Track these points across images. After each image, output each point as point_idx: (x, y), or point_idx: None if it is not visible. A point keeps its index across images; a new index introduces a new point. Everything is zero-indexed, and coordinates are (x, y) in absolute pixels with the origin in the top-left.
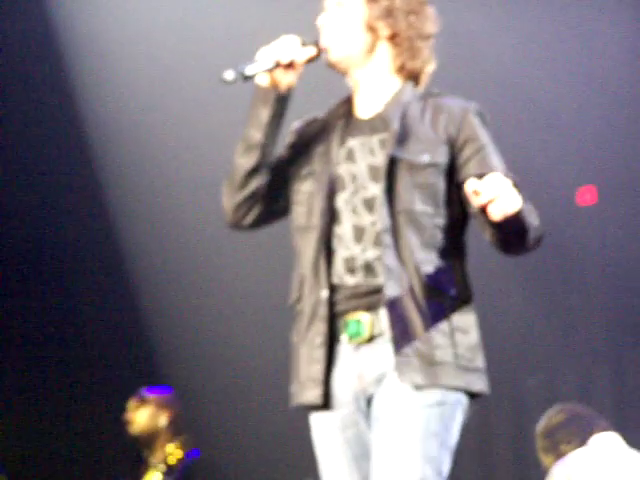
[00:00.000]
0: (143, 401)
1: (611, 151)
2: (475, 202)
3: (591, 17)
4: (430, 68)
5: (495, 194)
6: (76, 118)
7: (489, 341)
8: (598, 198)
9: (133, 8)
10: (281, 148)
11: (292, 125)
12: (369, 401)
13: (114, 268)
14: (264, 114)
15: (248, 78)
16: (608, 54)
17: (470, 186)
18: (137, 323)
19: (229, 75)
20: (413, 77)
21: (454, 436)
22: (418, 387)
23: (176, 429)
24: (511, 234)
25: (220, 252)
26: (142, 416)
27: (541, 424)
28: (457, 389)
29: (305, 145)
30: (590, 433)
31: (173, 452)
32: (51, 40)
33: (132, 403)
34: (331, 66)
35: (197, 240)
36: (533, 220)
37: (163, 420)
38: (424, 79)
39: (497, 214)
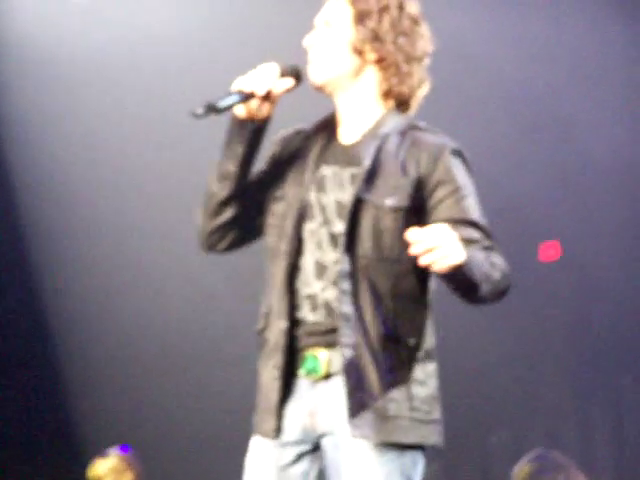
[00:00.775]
0: (106, 462)
1: (575, 205)
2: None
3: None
4: (422, 91)
5: (433, 245)
6: None
7: (453, 397)
8: (562, 253)
9: (55, 13)
10: (262, 160)
11: (278, 134)
12: (317, 440)
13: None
14: (239, 146)
15: (221, 111)
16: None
17: (410, 235)
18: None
19: (201, 109)
20: (402, 102)
21: None
22: (372, 442)
23: None
24: (459, 287)
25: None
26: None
27: (517, 470)
28: (412, 444)
29: (284, 162)
30: None
31: None
32: None
33: (94, 465)
34: (316, 89)
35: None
36: (491, 273)
37: None
38: (415, 103)
39: (433, 266)
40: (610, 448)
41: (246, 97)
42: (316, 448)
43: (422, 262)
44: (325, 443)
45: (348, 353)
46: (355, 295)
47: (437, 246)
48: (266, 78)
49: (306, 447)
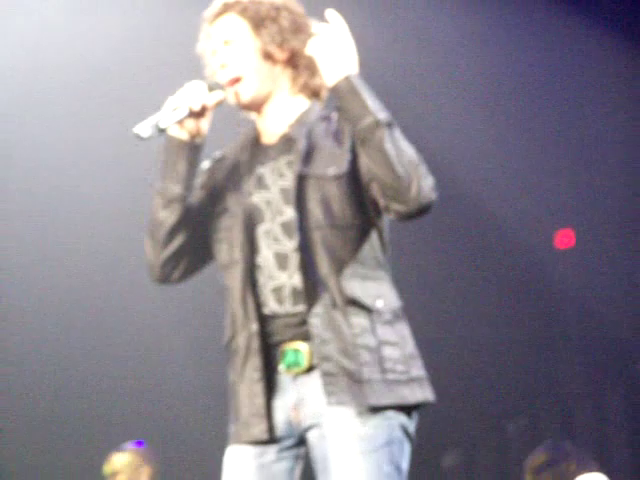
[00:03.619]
0: (122, 456)
1: (588, 193)
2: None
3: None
4: None
5: (329, 35)
6: None
7: (471, 385)
8: (576, 240)
9: None
10: (194, 191)
11: (202, 165)
12: (302, 434)
13: None
14: (182, 166)
15: (163, 131)
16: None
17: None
18: None
19: (145, 131)
20: (315, 93)
21: (404, 471)
22: (351, 411)
23: None
24: (349, 111)
25: None
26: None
27: (530, 460)
28: (389, 406)
29: (216, 183)
30: (576, 473)
31: None
32: None
33: (110, 460)
34: (243, 107)
35: None
36: (406, 149)
37: (144, 477)
38: (325, 94)
39: (315, 50)
40: (625, 434)
41: (185, 114)
42: (300, 443)
43: (310, 49)
44: (311, 436)
45: (317, 323)
46: (316, 268)
47: (330, 36)
48: (197, 93)
49: (289, 442)
